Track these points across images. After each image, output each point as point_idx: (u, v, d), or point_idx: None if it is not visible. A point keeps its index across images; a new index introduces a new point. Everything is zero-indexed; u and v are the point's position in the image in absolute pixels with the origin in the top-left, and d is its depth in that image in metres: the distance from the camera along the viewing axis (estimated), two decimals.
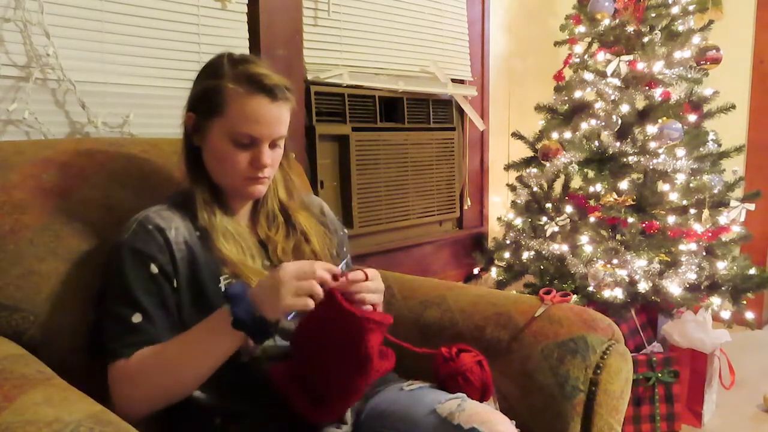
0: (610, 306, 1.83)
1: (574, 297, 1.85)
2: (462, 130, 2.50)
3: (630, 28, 2.02)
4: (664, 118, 1.90)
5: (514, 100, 2.74)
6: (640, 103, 2.01)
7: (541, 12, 2.80)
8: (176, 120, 1.07)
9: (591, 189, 2.00)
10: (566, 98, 2.12)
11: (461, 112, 2.47)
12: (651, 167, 1.91)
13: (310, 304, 0.85)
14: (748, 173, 2.77)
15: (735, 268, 1.96)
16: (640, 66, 1.95)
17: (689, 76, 1.97)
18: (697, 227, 1.89)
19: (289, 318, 0.88)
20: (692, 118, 1.99)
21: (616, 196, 1.91)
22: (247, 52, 1.65)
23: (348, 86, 1.96)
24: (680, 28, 2.02)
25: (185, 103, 1.03)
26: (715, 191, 1.95)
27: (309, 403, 0.90)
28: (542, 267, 2.09)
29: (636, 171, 1.99)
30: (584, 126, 2.05)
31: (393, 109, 2.18)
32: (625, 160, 1.96)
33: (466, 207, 2.54)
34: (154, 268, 0.93)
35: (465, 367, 0.99)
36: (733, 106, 2.03)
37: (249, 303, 0.85)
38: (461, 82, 2.46)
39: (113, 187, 1.09)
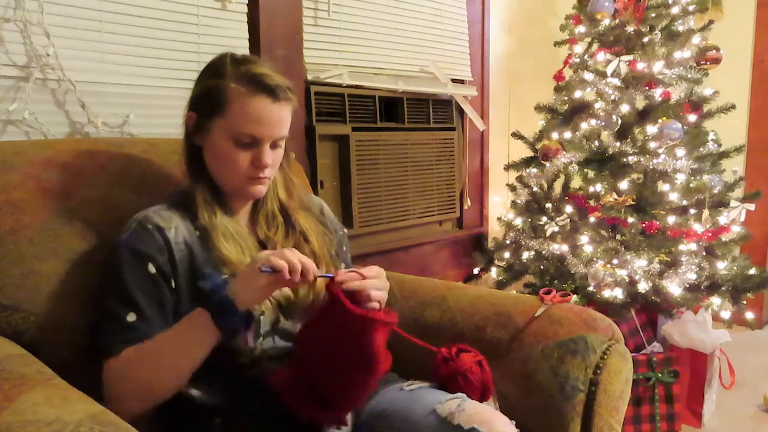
0: (610, 306, 1.83)
1: (574, 297, 1.85)
2: (462, 130, 2.50)
3: (630, 28, 2.02)
4: (664, 118, 1.90)
5: (514, 100, 2.74)
6: (640, 103, 2.01)
7: (541, 12, 2.80)
8: (176, 120, 1.07)
9: (591, 189, 2.00)
10: (566, 98, 2.12)
11: (461, 112, 2.47)
12: (651, 167, 1.91)
13: (280, 263, 0.84)
14: (748, 173, 2.77)
15: (735, 268, 1.96)
16: (640, 66, 1.95)
17: (689, 76, 1.97)
18: (697, 227, 1.89)
19: (263, 269, 0.86)
20: (692, 118, 1.99)
21: (616, 196, 1.92)
22: (247, 52, 1.65)
23: (348, 86, 1.96)
24: (680, 28, 2.02)
25: (186, 103, 1.03)
26: (715, 191, 1.95)
27: (314, 407, 0.90)
28: (542, 267, 2.09)
29: (636, 171, 1.99)
30: (584, 126, 2.05)
31: (393, 109, 2.18)
32: (625, 160, 1.96)
33: (466, 207, 2.54)
34: (152, 268, 0.93)
35: (465, 367, 0.99)
36: (733, 106, 2.03)
37: (219, 278, 0.91)
38: (461, 82, 2.46)
39: (113, 187, 1.09)
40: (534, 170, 2.17)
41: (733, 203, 1.97)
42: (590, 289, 1.87)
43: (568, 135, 2.09)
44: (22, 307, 0.93)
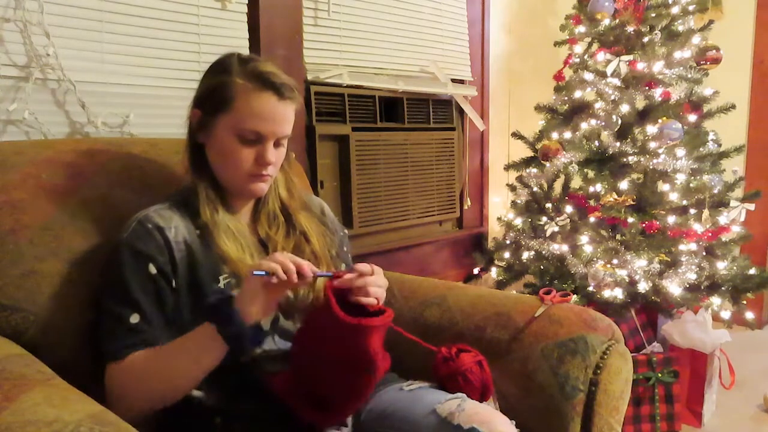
0: (610, 306, 1.83)
1: (574, 297, 1.85)
2: (462, 130, 2.50)
3: (630, 28, 2.02)
4: (664, 118, 1.90)
5: (514, 100, 2.74)
6: (640, 103, 2.01)
7: (541, 12, 2.81)
8: (176, 120, 1.08)
9: (591, 189, 2.00)
10: (566, 98, 2.12)
11: (461, 112, 2.47)
12: (651, 167, 1.91)
13: (271, 265, 0.84)
14: (748, 173, 2.77)
15: (735, 268, 1.96)
16: (640, 66, 1.95)
17: (689, 76, 1.97)
18: (697, 227, 1.89)
19: (254, 272, 0.86)
20: (692, 118, 1.99)
21: (616, 196, 1.91)
22: (247, 52, 1.65)
23: (348, 86, 1.96)
24: (680, 28, 2.02)
25: (189, 101, 1.04)
26: (715, 191, 1.95)
27: (315, 409, 0.90)
28: (542, 267, 2.09)
29: (636, 171, 2.00)
30: (584, 126, 2.05)
31: (393, 109, 2.18)
32: (625, 160, 1.96)
33: (466, 207, 2.54)
34: (152, 268, 0.93)
35: (465, 367, 0.99)
36: (733, 106, 2.03)
37: (226, 292, 0.91)
38: (461, 82, 2.46)
39: (113, 187, 1.09)
40: (534, 170, 2.17)
41: (733, 203, 1.97)
42: (590, 289, 1.87)
43: (568, 135, 2.09)
44: (22, 307, 0.93)
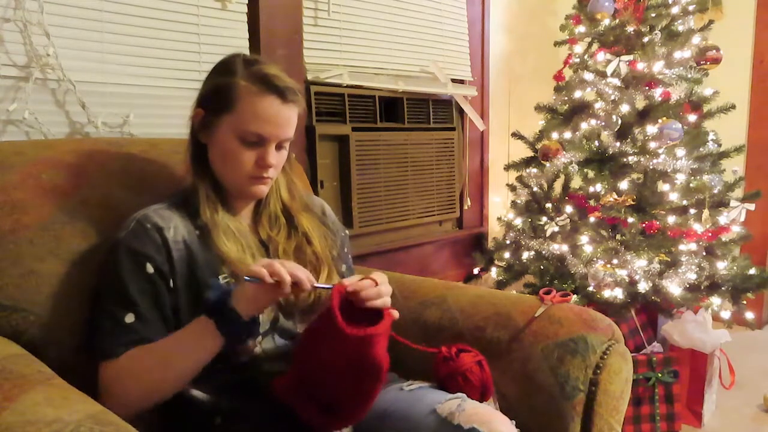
0: (610, 306, 1.83)
1: (574, 297, 1.85)
2: (462, 130, 2.50)
3: (630, 28, 2.02)
4: (664, 118, 1.90)
5: (514, 100, 2.74)
6: (640, 103, 2.01)
7: (541, 12, 2.81)
8: (176, 120, 1.08)
9: (591, 189, 2.00)
10: (566, 98, 2.12)
11: (461, 112, 2.47)
12: (651, 167, 1.91)
13: (261, 272, 0.84)
14: (748, 173, 2.77)
15: (735, 268, 1.96)
16: (640, 66, 1.95)
17: (689, 76, 1.96)
18: (697, 227, 1.89)
19: (245, 279, 0.86)
20: (692, 118, 1.99)
21: (616, 196, 1.91)
22: (247, 52, 1.65)
23: (348, 86, 1.96)
24: (680, 28, 2.02)
25: (190, 101, 1.04)
26: (715, 191, 1.95)
27: (319, 413, 0.89)
28: (542, 267, 2.09)
29: (636, 171, 1.99)
30: (584, 126, 2.05)
31: (393, 109, 2.18)
32: (625, 160, 1.96)
33: (466, 207, 2.54)
34: (150, 268, 0.93)
35: (465, 367, 0.99)
36: (733, 106, 2.02)
37: (225, 292, 0.89)
38: (461, 82, 2.46)
39: (113, 187, 1.09)
40: (534, 170, 2.17)
41: (733, 203, 1.97)
42: (590, 289, 1.87)
43: (568, 135, 2.09)
44: (22, 307, 0.93)
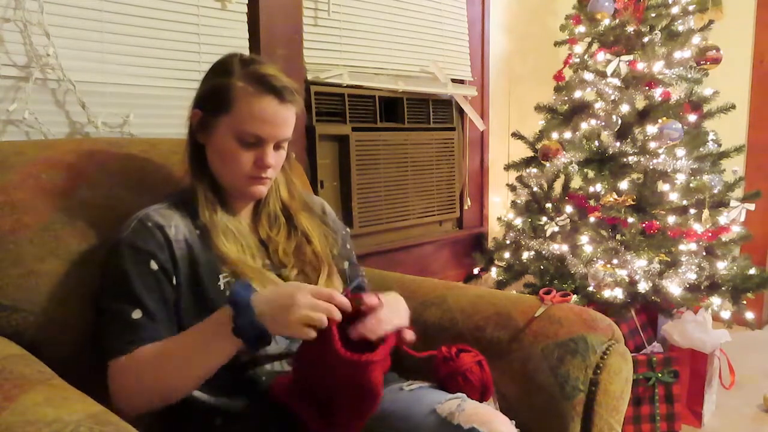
0: (610, 306, 1.83)
1: (574, 297, 1.85)
2: (462, 130, 2.50)
3: (630, 28, 2.02)
4: (664, 118, 1.90)
5: (514, 100, 2.74)
6: (640, 103, 2.01)
7: (541, 12, 2.80)
8: (176, 120, 1.08)
9: (591, 189, 2.00)
10: (566, 98, 2.12)
11: (461, 112, 2.47)
12: (651, 167, 1.91)
13: (312, 335, 0.81)
14: (748, 173, 2.77)
15: (735, 268, 1.96)
16: (640, 66, 1.95)
17: (689, 76, 1.97)
18: (697, 227, 1.89)
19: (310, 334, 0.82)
20: (692, 118, 1.99)
21: (616, 196, 1.91)
22: (247, 52, 1.65)
23: (348, 86, 1.96)
24: (680, 28, 2.02)
25: (190, 101, 1.04)
26: (715, 191, 1.95)
27: (318, 417, 0.89)
28: (542, 267, 2.09)
29: (636, 171, 1.99)
30: (584, 126, 2.05)
31: (393, 109, 2.18)
32: (625, 160, 1.96)
33: (466, 207, 2.54)
34: (154, 265, 0.93)
35: (465, 367, 0.99)
36: (733, 106, 2.02)
37: (253, 314, 0.82)
38: (461, 82, 2.46)
39: (113, 187, 1.09)
40: (534, 170, 2.17)
41: (733, 203, 1.97)
42: (590, 289, 1.87)
43: (568, 135, 2.09)
44: (22, 307, 0.93)
